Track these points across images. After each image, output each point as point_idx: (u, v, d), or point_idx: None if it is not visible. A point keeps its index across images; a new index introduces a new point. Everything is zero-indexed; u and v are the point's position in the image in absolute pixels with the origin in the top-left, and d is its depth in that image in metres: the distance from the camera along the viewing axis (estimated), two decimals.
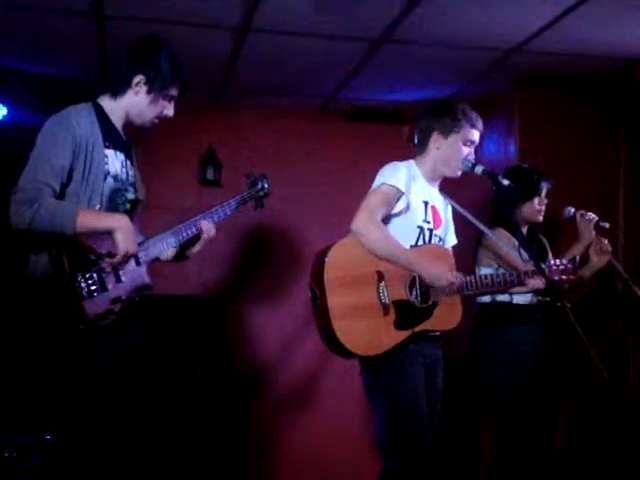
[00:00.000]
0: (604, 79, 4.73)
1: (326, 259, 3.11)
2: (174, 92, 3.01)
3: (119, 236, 2.74)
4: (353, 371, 3.39)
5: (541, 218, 4.16)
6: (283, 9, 3.77)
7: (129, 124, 3.04)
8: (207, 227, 3.11)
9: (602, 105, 4.95)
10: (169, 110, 3.04)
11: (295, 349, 5.50)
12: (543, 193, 4.13)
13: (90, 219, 2.75)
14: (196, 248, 3.19)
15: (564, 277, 3.34)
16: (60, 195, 2.76)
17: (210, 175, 5.51)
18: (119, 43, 3.06)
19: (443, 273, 3.22)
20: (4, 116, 4.86)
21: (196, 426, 4.75)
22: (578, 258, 3.54)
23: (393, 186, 3.23)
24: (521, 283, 3.37)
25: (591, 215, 4.13)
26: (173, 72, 2.97)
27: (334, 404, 5.48)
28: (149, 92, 2.95)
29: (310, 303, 3.20)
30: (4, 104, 4.85)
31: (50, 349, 2.79)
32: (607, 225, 4.13)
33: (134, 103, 2.97)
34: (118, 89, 2.97)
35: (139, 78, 2.93)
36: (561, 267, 3.34)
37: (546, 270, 3.27)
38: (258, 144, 5.60)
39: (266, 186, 3.44)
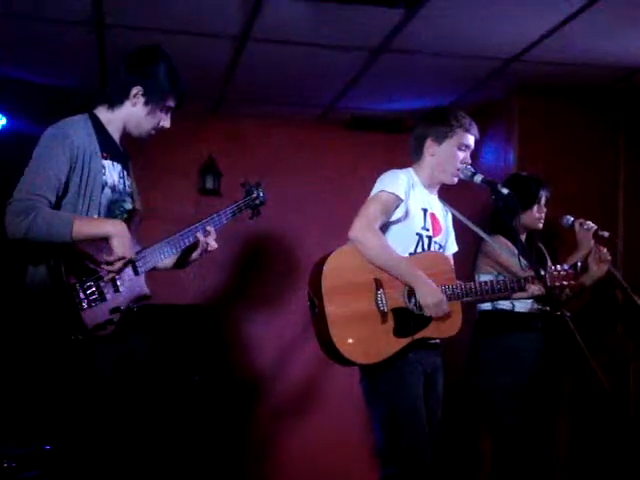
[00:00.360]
0: (604, 88, 4.74)
1: (324, 267, 3.10)
2: (171, 103, 3.01)
3: (115, 242, 2.73)
4: (352, 378, 3.38)
5: (541, 225, 4.17)
6: (282, 18, 3.77)
7: (126, 135, 3.04)
8: (203, 239, 3.09)
9: (602, 113, 4.95)
10: (166, 122, 3.05)
11: (294, 356, 5.49)
12: (542, 201, 4.14)
13: (87, 226, 2.74)
14: (193, 257, 3.16)
15: (565, 283, 3.33)
16: (57, 206, 2.76)
17: (209, 184, 5.51)
18: (119, 52, 3.07)
19: (434, 292, 3.16)
20: (3, 126, 4.85)
21: (195, 433, 4.75)
22: (580, 263, 3.53)
23: (392, 193, 3.22)
24: (521, 289, 3.36)
25: (590, 224, 4.13)
26: (171, 83, 2.97)
27: (333, 411, 5.47)
28: (147, 103, 2.95)
29: (309, 311, 3.19)
30: (3, 114, 4.84)
31: (49, 360, 2.78)
32: (606, 234, 4.12)
33: (132, 114, 2.97)
34: (116, 100, 2.97)
35: (137, 89, 2.93)
36: (562, 273, 3.34)
37: (547, 276, 3.27)
38: (258, 153, 5.61)
39: (262, 194, 3.43)
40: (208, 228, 3.12)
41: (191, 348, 4.96)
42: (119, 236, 2.75)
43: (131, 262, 2.82)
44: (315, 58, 4.35)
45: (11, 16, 3.85)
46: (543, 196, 4.14)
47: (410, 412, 3.15)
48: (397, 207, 3.25)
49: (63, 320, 2.65)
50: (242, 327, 5.53)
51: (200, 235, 3.08)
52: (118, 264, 2.75)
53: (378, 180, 3.31)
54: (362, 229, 3.14)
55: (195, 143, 5.49)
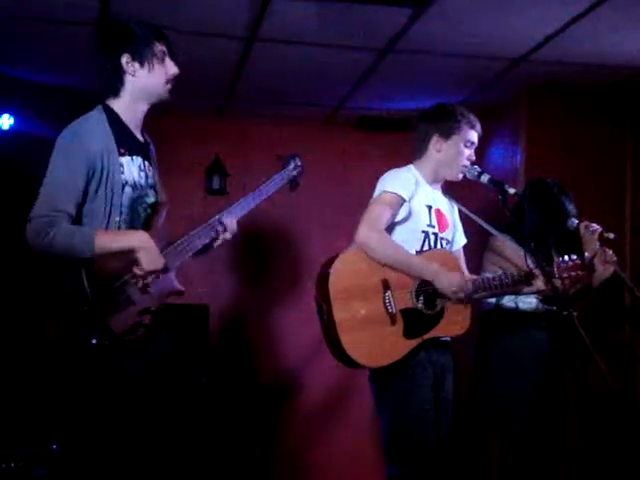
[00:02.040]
0: (612, 88, 4.73)
1: (330, 271, 3.07)
2: (161, 48, 2.85)
3: (143, 256, 2.64)
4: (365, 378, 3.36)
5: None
6: (289, 19, 3.77)
7: (146, 117, 2.92)
8: (232, 225, 2.98)
9: (609, 113, 4.94)
10: (172, 68, 2.87)
11: (300, 357, 5.49)
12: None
13: (109, 241, 2.65)
14: (217, 243, 3.01)
15: (572, 273, 3.31)
16: (77, 214, 2.68)
17: (216, 184, 5.52)
18: None
19: (454, 277, 3.17)
20: (11, 126, 4.86)
21: (199, 435, 4.73)
22: (587, 254, 3.49)
23: (394, 194, 3.20)
24: (529, 282, 3.34)
25: (595, 226, 4.08)
26: (149, 32, 2.84)
27: (340, 412, 5.47)
28: (142, 64, 2.81)
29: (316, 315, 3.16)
30: (11, 114, 4.85)
31: (75, 368, 2.70)
32: (612, 236, 4.08)
33: (139, 85, 2.83)
34: (115, 83, 2.83)
35: (125, 58, 2.80)
36: (570, 263, 3.31)
37: (555, 267, 3.26)
38: (264, 153, 5.60)
39: (299, 164, 3.33)
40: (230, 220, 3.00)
41: (197, 349, 4.96)
42: (145, 250, 2.65)
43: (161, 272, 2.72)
44: (322, 58, 4.35)
45: (19, 17, 3.86)
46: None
47: (420, 413, 3.13)
48: (400, 207, 3.23)
49: (90, 327, 2.55)
50: (248, 328, 5.53)
51: (225, 221, 2.97)
52: (148, 279, 2.67)
53: (379, 181, 3.30)
54: (368, 232, 3.12)
55: (202, 143, 5.50)
